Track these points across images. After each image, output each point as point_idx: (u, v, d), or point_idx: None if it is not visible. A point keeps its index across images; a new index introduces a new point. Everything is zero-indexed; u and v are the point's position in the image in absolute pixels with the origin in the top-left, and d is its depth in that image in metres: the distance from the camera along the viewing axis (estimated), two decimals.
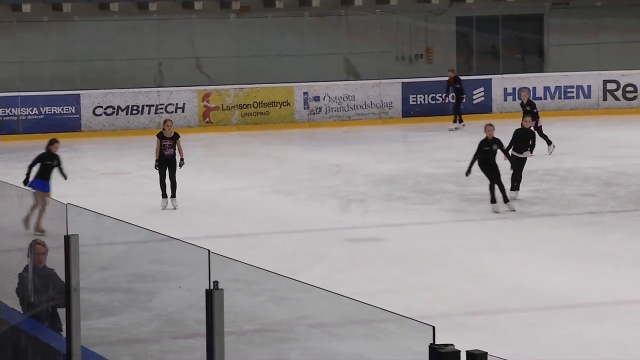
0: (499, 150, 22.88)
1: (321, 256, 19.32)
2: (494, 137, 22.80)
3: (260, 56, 39.38)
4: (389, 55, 41.31)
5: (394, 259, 19.08)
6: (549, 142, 30.55)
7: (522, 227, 21.94)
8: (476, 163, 22.77)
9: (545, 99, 40.02)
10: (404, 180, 26.95)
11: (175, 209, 23.00)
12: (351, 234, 20.88)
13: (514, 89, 39.55)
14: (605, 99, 40.44)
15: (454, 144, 33.35)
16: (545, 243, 20.34)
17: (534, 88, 39.72)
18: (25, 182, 20.87)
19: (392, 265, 18.72)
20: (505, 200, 22.61)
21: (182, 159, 23.35)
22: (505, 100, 39.77)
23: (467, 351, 5.44)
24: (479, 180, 26.82)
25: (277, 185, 24.86)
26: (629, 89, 40.11)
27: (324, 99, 37.81)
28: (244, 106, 37.66)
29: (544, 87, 40.23)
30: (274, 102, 38.00)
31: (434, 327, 5.65)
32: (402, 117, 38.76)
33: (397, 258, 19.10)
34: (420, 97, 39.22)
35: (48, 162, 21.17)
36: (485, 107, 39.46)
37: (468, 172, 22.83)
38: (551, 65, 42.73)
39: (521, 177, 24.01)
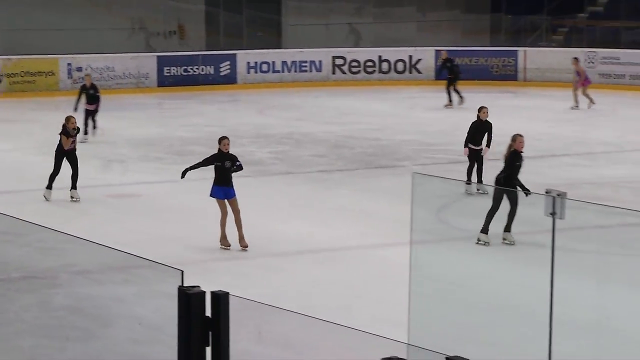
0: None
1: (85, 211, 19.04)
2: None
3: (27, 29, 38.39)
4: (145, 32, 41.14)
5: (151, 212, 18.95)
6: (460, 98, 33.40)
7: (263, 184, 22.07)
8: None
9: (283, 72, 40.57)
10: (159, 143, 26.74)
11: None
12: (112, 190, 20.62)
13: (255, 62, 39.98)
14: (334, 72, 41.15)
15: (204, 111, 33.36)
16: (283, 197, 20.57)
17: (273, 62, 40.28)
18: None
19: (148, 218, 18.59)
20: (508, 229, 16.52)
21: None
22: (249, 72, 40.03)
23: (211, 292, 5.42)
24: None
25: (42, 147, 24.21)
26: (354, 64, 40.87)
27: (86, 69, 37.13)
28: (12, 75, 36.71)
29: (282, 61, 40.65)
30: (40, 72, 37.20)
31: (182, 271, 5.61)
32: (158, 86, 38.51)
33: (154, 212, 18.97)
34: (174, 69, 39.05)
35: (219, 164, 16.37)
36: (231, 79, 39.59)
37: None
38: (288, 42, 43.15)
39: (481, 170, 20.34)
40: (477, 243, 16.18)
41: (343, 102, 35.44)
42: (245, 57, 40.19)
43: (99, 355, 9.26)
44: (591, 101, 33.21)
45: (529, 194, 16.32)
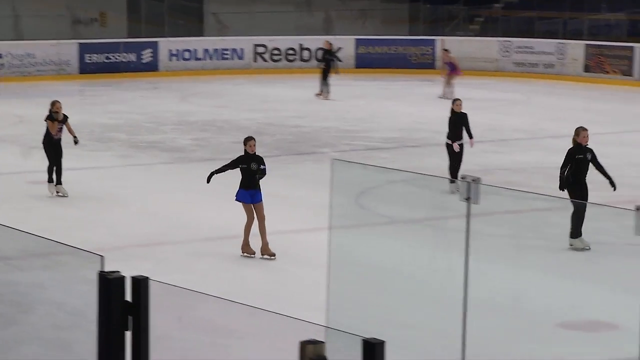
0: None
1: (5, 198, 18.80)
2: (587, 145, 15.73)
3: None
4: (64, 19, 40.69)
5: (72, 198, 18.76)
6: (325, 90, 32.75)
7: (185, 170, 21.99)
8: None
9: (204, 59, 40.42)
10: (80, 130, 26.40)
11: None
12: (32, 177, 20.37)
13: (177, 50, 39.78)
14: (255, 60, 41.11)
15: (126, 98, 33.12)
16: (205, 184, 20.48)
17: (195, 50, 40.12)
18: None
19: (70, 204, 18.41)
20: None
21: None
22: (170, 60, 39.83)
23: (131, 277, 5.40)
24: (147, 129, 26.78)
25: None
26: (275, 52, 40.86)
27: (6, 56, 36.66)
28: None
29: (204, 49, 40.51)
30: None
31: (102, 257, 5.58)
32: (80, 73, 38.13)
33: (75, 198, 18.79)
34: (96, 57, 38.70)
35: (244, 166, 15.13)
36: (153, 66, 39.35)
37: (562, 187, 15.52)
38: (209, 30, 42.99)
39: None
40: (570, 248, 15.00)
41: (264, 90, 35.41)
42: (167, 44, 39.96)
43: (19, 341, 9.17)
44: (446, 94, 32.56)
45: (615, 188, 15.43)
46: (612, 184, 15.47)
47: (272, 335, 7.99)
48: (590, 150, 15.48)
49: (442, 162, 22.29)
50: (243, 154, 15.12)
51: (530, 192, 18.51)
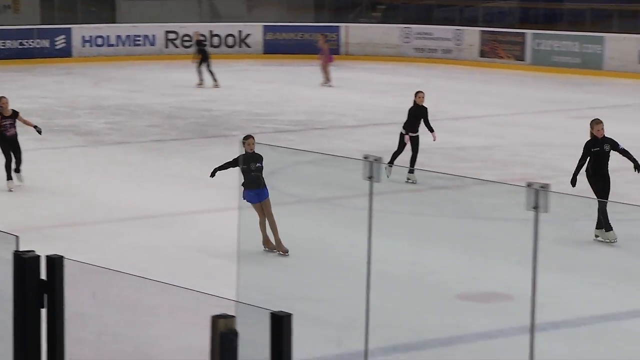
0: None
1: None
2: (605, 137, 14.70)
3: None
4: None
5: None
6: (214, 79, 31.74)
7: (100, 153, 21.80)
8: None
9: (117, 46, 40.12)
10: None
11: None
12: None
13: (90, 36, 39.39)
14: (167, 46, 40.83)
15: (40, 83, 32.68)
16: (119, 166, 20.33)
17: (108, 37, 39.80)
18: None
19: None
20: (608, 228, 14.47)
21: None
22: (84, 46, 39.40)
23: (46, 255, 5.35)
24: (61, 113, 26.45)
25: None
26: (186, 38, 40.56)
27: None
28: None
29: (117, 35, 40.16)
30: None
31: (17, 237, 5.52)
32: None
33: None
34: (9, 43, 38.11)
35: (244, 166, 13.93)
36: (66, 52, 38.88)
37: (573, 182, 14.49)
38: (122, 17, 42.55)
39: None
40: (595, 239, 14.39)
41: (176, 75, 35.18)
42: (80, 31, 39.49)
43: None
44: (327, 79, 32.80)
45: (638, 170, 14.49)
46: (637, 167, 14.54)
47: (185, 310, 7.97)
48: (609, 141, 14.51)
49: (347, 143, 22.42)
50: (243, 152, 13.81)
51: (430, 170, 18.69)
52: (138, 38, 40.59)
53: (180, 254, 14.22)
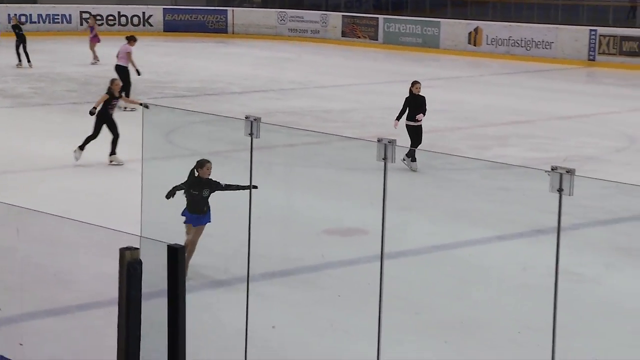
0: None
1: None
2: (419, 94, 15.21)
3: None
4: None
5: None
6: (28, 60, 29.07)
7: (25, 113, 21.19)
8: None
9: (39, 23, 39.02)
10: None
11: None
12: None
13: (15, 14, 38.07)
14: (81, 24, 39.80)
15: None
16: (43, 124, 19.79)
17: (30, 15, 38.78)
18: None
19: None
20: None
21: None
22: (9, 22, 38.08)
23: None
24: None
25: None
26: (98, 17, 39.51)
27: None
28: None
29: (38, 14, 39.12)
30: None
31: None
32: None
33: None
34: None
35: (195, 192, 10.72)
36: None
37: (396, 125, 15.04)
38: None
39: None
40: (402, 161, 14.87)
41: (86, 49, 34.35)
42: (6, 9, 38.20)
43: None
44: (95, 58, 30.75)
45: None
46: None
47: (98, 245, 7.84)
48: (423, 97, 15.35)
49: (234, 106, 22.25)
50: (195, 176, 10.71)
51: (301, 129, 18.70)
52: (57, 17, 39.49)
53: (95, 199, 13.95)
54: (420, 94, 15.51)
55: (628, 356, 8.31)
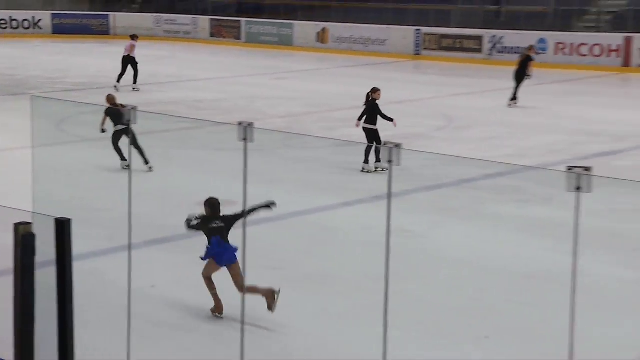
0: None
1: None
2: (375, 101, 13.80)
3: None
4: None
5: None
6: None
7: None
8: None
9: None
10: None
11: None
12: None
13: None
14: None
15: None
16: None
17: None
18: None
19: None
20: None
21: None
22: None
23: None
24: None
25: None
26: (2, 21, 37.77)
27: None
28: None
29: None
30: None
31: None
32: None
33: None
34: None
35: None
36: None
37: (358, 124, 13.86)
38: None
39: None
40: (376, 170, 13.59)
41: None
42: None
43: None
44: None
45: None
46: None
47: None
48: (375, 105, 13.65)
49: (119, 99, 21.60)
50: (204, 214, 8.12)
51: (178, 116, 18.42)
52: None
53: None
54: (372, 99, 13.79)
55: (450, 295, 8.60)
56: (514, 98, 20.95)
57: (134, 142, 12.27)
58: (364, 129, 13.86)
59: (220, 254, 7.72)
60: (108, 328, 7.42)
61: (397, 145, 4.48)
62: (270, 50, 35.25)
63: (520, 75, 20.90)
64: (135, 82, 23.49)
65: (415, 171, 13.29)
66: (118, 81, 23.64)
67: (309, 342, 7.42)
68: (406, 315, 7.60)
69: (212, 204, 7.99)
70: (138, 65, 24.06)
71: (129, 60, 23.87)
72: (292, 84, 24.67)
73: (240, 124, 5.14)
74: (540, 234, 10.33)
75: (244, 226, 5.31)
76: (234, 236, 7.67)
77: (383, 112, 13.79)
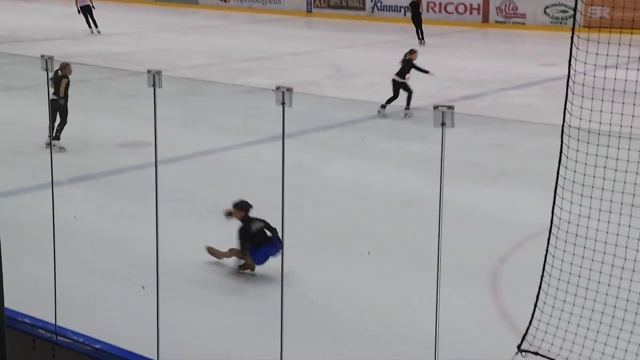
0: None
1: None
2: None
3: None
4: None
5: None
6: None
7: None
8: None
9: None
10: None
11: None
12: None
13: None
14: None
15: None
16: None
17: None
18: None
19: None
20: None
21: None
22: None
23: None
24: None
25: None
26: None
27: None
28: None
29: None
30: None
31: None
32: None
33: None
34: None
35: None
36: None
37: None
38: None
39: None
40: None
41: None
42: None
43: None
44: None
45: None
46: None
47: None
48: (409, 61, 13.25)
49: (38, 51, 20.46)
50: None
51: (99, 66, 17.67)
52: None
53: None
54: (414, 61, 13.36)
55: (338, 219, 8.71)
56: (421, 39, 22.68)
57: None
58: (393, 80, 13.38)
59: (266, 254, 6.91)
60: (41, 256, 7.14)
61: (289, 90, 4.39)
62: (178, 9, 34.13)
63: (417, 19, 22.90)
64: (96, 25, 24.30)
65: (308, 114, 13.27)
66: (96, 27, 24.32)
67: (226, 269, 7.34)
68: (301, 238, 7.67)
69: (244, 206, 7.05)
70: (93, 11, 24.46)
71: (87, 9, 24.29)
72: (198, 38, 24.01)
73: (149, 71, 4.93)
74: (415, 167, 10.55)
75: (155, 165, 5.15)
76: (147, 176, 7.47)
77: (418, 66, 13.34)
